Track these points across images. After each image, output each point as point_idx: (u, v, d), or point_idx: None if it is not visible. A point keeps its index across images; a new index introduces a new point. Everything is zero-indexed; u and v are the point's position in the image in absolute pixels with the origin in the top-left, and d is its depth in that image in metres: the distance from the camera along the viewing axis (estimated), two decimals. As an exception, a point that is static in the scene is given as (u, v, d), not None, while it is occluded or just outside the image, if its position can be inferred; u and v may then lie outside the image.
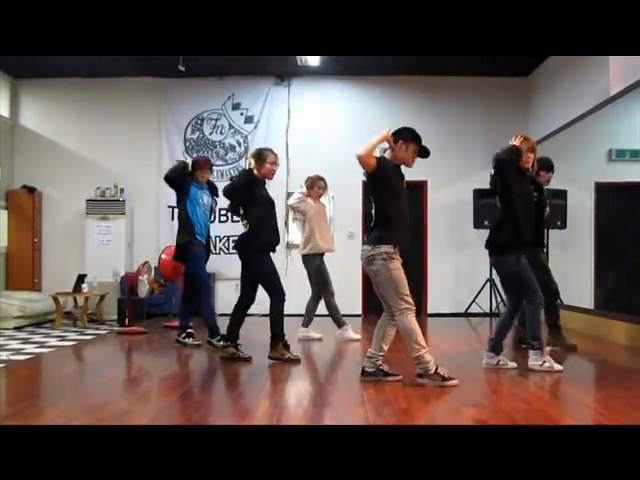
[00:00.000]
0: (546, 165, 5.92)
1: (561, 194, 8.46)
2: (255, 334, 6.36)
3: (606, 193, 7.64)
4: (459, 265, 9.96)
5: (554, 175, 8.78)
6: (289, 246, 9.91)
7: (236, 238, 5.91)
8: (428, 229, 10.06)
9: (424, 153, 4.62)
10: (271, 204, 5.65)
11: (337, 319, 6.93)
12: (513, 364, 5.05)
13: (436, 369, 4.50)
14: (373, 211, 4.60)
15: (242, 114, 10.34)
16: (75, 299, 9.46)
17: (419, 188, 9.98)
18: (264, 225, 5.45)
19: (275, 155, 5.66)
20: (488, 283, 9.23)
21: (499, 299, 9.17)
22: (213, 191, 6.68)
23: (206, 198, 6.57)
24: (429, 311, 10.03)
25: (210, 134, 10.37)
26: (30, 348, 6.79)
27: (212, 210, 6.72)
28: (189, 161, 6.77)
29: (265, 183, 5.70)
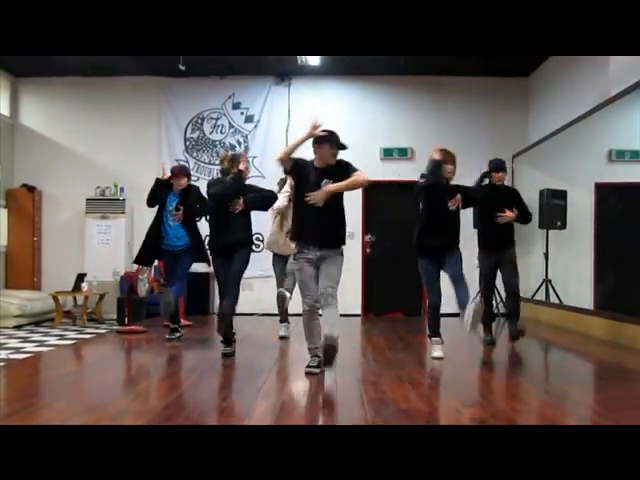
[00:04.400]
0: (493, 167, 6.37)
1: (561, 194, 8.46)
2: (256, 332, 6.36)
3: (606, 194, 7.63)
4: (459, 265, 9.94)
5: (552, 175, 8.83)
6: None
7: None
8: (428, 229, 10.02)
9: (340, 147, 4.81)
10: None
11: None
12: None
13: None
14: None
15: (242, 113, 10.35)
16: (75, 298, 9.46)
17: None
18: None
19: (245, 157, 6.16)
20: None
21: (498, 298, 9.18)
22: (186, 195, 6.75)
23: (170, 206, 6.73)
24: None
25: (210, 133, 10.37)
26: (29, 347, 6.80)
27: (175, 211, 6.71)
28: (167, 169, 6.94)
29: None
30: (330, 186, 4.71)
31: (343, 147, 4.81)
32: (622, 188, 7.42)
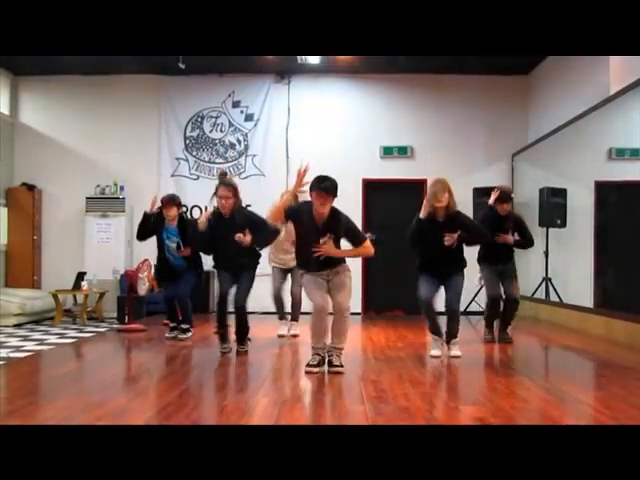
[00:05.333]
0: (500, 199, 6.51)
1: (561, 193, 8.47)
2: (255, 330, 6.36)
3: (606, 192, 7.63)
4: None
5: (552, 173, 8.83)
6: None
7: None
8: (428, 227, 10.03)
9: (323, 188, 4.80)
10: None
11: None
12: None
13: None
14: None
15: (242, 112, 10.34)
16: (75, 297, 9.47)
17: (419, 187, 9.95)
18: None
19: (222, 187, 5.72)
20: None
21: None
22: (184, 231, 6.72)
23: (172, 243, 6.74)
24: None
25: (210, 132, 10.37)
26: (30, 345, 6.80)
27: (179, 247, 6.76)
28: (157, 201, 6.84)
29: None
30: (334, 251, 4.91)
31: (332, 192, 4.82)
32: (622, 186, 7.42)
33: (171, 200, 6.79)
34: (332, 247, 4.89)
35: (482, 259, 6.72)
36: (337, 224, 4.91)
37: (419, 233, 5.67)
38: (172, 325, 6.91)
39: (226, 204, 5.67)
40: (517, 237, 6.68)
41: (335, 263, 4.98)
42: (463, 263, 5.80)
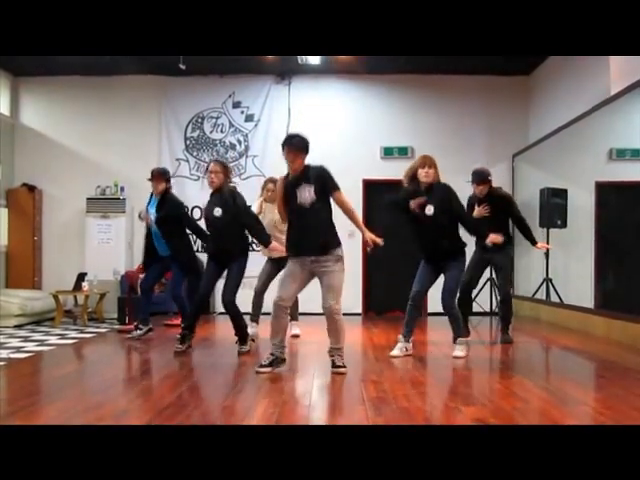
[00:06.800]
0: (474, 179, 6.46)
1: (561, 193, 8.46)
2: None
3: (606, 192, 7.63)
4: (459, 264, 9.93)
5: (553, 174, 8.83)
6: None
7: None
8: (428, 228, 10.03)
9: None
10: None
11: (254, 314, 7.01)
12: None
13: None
14: None
15: (242, 112, 10.34)
16: (75, 297, 9.46)
17: (419, 187, 9.95)
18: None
19: (213, 163, 6.04)
20: (488, 282, 9.23)
21: (498, 298, 9.18)
22: (162, 204, 6.70)
23: (153, 214, 6.74)
24: (429, 310, 10.02)
25: (210, 132, 10.38)
26: (30, 346, 6.80)
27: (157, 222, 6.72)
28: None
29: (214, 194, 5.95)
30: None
31: (302, 148, 4.88)
32: (622, 187, 7.42)
33: (162, 174, 6.79)
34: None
35: (477, 243, 6.63)
36: (311, 175, 4.87)
37: (401, 201, 5.58)
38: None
39: (215, 178, 5.81)
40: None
41: (327, 243, 4.82)
42: (460, 243, 5.66)
